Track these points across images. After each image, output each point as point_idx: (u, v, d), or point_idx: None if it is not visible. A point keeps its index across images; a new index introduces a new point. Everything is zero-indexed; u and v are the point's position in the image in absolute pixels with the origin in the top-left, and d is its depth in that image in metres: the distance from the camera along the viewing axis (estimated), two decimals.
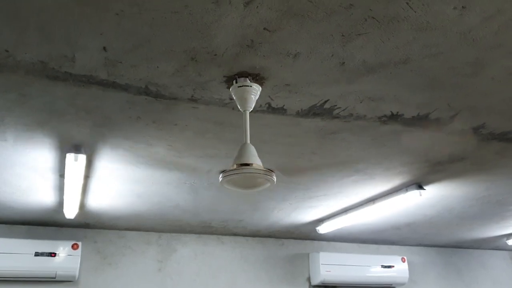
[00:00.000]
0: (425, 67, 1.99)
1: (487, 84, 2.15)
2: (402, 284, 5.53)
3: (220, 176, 1.90)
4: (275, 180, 1.92)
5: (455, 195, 3.89)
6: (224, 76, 2.02)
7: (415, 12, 1.63)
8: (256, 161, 1.90)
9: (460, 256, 6.19)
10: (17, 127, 2.46)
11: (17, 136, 2.56)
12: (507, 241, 5.64)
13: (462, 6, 1.61)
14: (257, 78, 2.03)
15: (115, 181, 3.33)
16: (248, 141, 2.02)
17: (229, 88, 2.07)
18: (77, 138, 2.61)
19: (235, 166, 1.88)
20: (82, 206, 3.87)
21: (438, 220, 4.68)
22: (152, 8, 1.59)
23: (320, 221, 4.64)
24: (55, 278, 4.24)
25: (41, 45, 1.78)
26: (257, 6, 1.59)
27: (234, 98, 2.06)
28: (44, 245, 4.23)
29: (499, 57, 1.92)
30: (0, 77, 1.99)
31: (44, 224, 4.45)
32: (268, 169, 1.90)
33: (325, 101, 2.27)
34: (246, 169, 1.84)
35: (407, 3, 1.59)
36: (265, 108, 2.33)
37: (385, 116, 2.44)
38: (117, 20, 1.65)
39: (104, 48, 1.81)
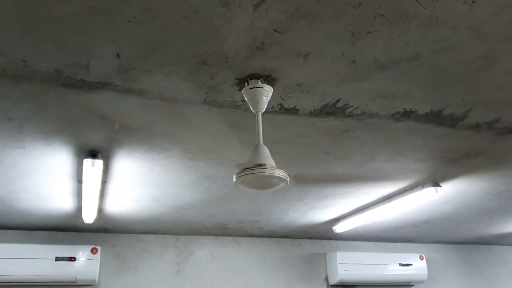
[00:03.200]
0: (437, 63, 1.98)
1: (500, 78, 2.13)
2: (421, 281, 5.48)
3: (234, 177, 1.92)
4: (289, 180, 1.93)
5: (472, 191, 3.85)
6: (235, 79, 2.04)
7: (424, 8, 1.63)
8: (269, 161, 1.92)
9: (480, 252, 6.12)
10: (35, 135, 2.51)
11: (35, 143, 2.62)
12: None
13: (472, 1, 1.60)
14: (269, 79, 2.05)
15: (131, 185, 3.38)
16: (261, 142, 2.03)
17: (241, 90, 2.09)
18: (94, 144, 2.66)
19: (249, 167, 1.89)
20: (100, 210, 3.92)
21: (456, 216, 4.63)
22: (163, 14, 1.62)
23: (336, 220, 4.63)
24: (75, 282, 4.30)
25: (56, 54, 1.82)
26: (267, 8, 1.60)
27: (246, 100, 2.08)
28: (64, 250, 4.30)
29: (511, 50, 1.90)
30: (18, 87, 2.04)
31: (64, 229, 4.53)
32: (282, 170, 1.91)
33: (337, 100, 2.28)
34: (260, 169, 1.86)
35: (416, 0, 1.59)
36: (277, 109, 2.34)
37: (398, 113, 2.44)
38: (129, 27, 1.68)
39: (117, 55, 1.84)
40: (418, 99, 2.30)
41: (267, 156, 1.94)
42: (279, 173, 1.88)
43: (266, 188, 1.99)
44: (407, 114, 2.46)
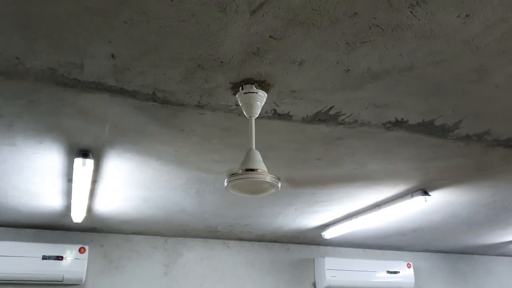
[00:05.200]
0: (429, 74, 2.01)
1: (491, 91, 2.16)
2: None
3: (226, 181, 1.92)
4: (279, 186, 1.94)
5: (460, 201, 3.88)
6: (230, 83, 2.05)
7: (419, 20, 1.65)
8: (261, 166, 1.92)
9: (466, 262, 6.17)
10: (26, 132, 2.50)
11: (26, 141, 2.60)
12: None
13: (466, 15, 1.63)
14: (263, 85, 2.05)
15: (122, 185, 3.37)
16: (254, 147, 2.04)
17: (235, 95, 2.09)
18: (85, 143, 2.65)
19: (240, 172, 1.90)
20: (89, 210, 3.90)
21: (444, 226, 4.67)
22: (159, 17, 1.62)
23: (326, 226, 4.65)
24: (62, 281, 4.27)
25: (50, 53, 1.82)
26: (263, 15, 1.61)
27: (240, 104, 2.09)
28: (52, 249, 4.26)
29: (503, 64, 1.93)
30: (10, 84, 2.03)
31: (52, 228, 4.50)
32: (273, 175, 1.92)
33: (330, 108, 2.29)
34: (251, 174, 1.86)
35: (411, 12, 1.61)
36: (271, 114, 2.35)
37: (390, 122, 2.46)
38: (125, 28, 1.68)
39: (112, 56, 1.84)
40: (410, 109, 2.32)
41: (259, 161, 1.95)
42: (270, 178, 1.89)
43: (257, 193, 1.99)
44: (398, 124, 2.48)
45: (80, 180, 2.95)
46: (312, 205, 3.93)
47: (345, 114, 2.36)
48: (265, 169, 1.94)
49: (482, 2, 1.56)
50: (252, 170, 1.88)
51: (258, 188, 1.94)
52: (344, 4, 1.57)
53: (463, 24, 1.68)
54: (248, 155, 1.98)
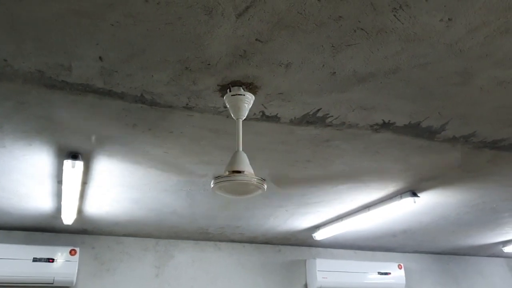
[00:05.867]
0: (414, 77, 2.03)
1: (476, 94, 2.19)
2: None
3: (212, 183, 1.94)
4: (265, 188, 1.95)
5: (449, 203, 3.92)
6: (218, 85, 2.07)
7: (402, 24, 1.68)
8: (247, 168, 1.94)
9: (457, 263, 6.21)
10: (15, 134, 2.50)
11: (15, 142, 2.60)
12: (503, 248, 5.66)
13: (448, 18, 1.66)
14: (251, 87, 2.07)
15: (112, 187, 3.37)
16: (241, 149, 2.06)
17: (223, 97, 2.11)
18: (75, 145, 2.65)
19: (226, 173, 1.92)
20: (79, 212, 3.90)
21: (434, 227, 4.71)
22: (146, 20, 1.63)
23: (317, 227, 4.67)
24: (53, 283, 4.26)
25: (38, 55, 1.83)
26: (249, 18, 1.63)
27: (228, 106, 2.10)
28: (42, 251, 4.26)
29: (486, 67, 1.96)
30: None
31: (42, 230, 4.49)
32: (259, 177, 1.94)
33: (318, 110, 2.32)
34: (237, 176, 1.88)
35: (394, 15, 1.63)
36: (259, 116, 2.37)
37: (377, 124, 2.48)
38: (113, 31, 1.69)
39: (100, 58, 1.85)
40: (397, 111, 2.35)
41: (245, 163, 1.97)
42: (256, 180, 1.91)
43: (243, 195, 2.01)
44: (385, 126, 2.50)
45: (70, 181, 2.95)
46: (303, 207, 3.96)
47: (332, 116, 2.38)
48: (252, 171, 1.95)
49: (464, 6, 1.59)
50: (238, 172, 1.90)
51: (244, 190, 1.96)
52: (328, 7, 1.59)
53: (446, 28, 1.70)
54: (234, 157, 1.99)
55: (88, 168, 2.98)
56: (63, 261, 4.30)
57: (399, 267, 5.57)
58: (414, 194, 3.58)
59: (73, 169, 2.75)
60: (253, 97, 2.09)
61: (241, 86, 2.05)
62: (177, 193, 3.53)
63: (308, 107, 2.28)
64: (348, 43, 1.79)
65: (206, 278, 4.99)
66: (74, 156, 2.71)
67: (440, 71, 1.99)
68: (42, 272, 4.21)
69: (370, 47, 1.81)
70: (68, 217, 3.76)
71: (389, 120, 2.44)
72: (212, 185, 1.92)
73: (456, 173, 3.23)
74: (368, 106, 2.28)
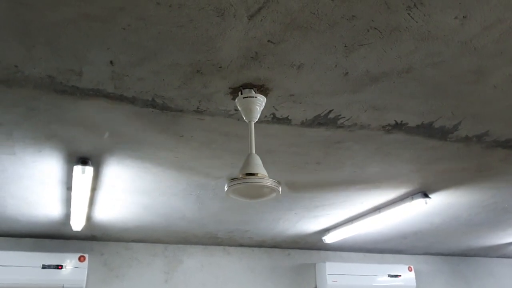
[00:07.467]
0: (428, 76, 2.01)
1: (489, 92, 2.16)
2: None
3: (226, 186, 1.92)
4: (280, 190, 1.93)
5: (461, 203, 3.88)
6: (229, 88, 2.05)
7: (416, 22, 1.65)
8: (261, 171, 1.92)
9: (467, 264, 6.16)
10: (25, 140, 2.49)
11: (25, 149, 2.59)
12: None
13: (463, 16, 1.63)
14: (262, 89, 2.06)
15: (121, 193, 3.36)
16: (254, 151, 2.04)
17: (234, 100, 2.09)
18: (84, 151, 2.64)
19: (240, 176, 1.90)
20: (89, 218, 3.89)
21: (445, 228, 4.66)
22: (158, 23, 1.62)
23: (326, 230, 4.64)
24: None
25: (49, 60, 1.82)
26: (261, 19, 1.62)
27: (239, 109, 2.09)
28: (51, 258, 4.25)
29: (501, 65, 1.94)
30: (9, 92, 2.02)
31: (51, 236, 4.48)
32: (274, 180, 1.91)
33: (330, 111, 2.29)
34: (251, 179, 1.86)
35: (408, 14, 1.61)
36: (270, 118, 2.35)
37: (389, 125, 2.46)
38: (124, 34, 1.68)
39: (111, 62, 1.84)
40: (409, 111, 2.32)
41: (259, 165, 1.95)
42: (270, 182, 1.88)
43: (257, 198, 1.99)
44: (398, 126, 2.48)
45: (79, 188, 2.94)
46: (313, 210, 3.93)
47: (344, 117, 2.36)
48: (265, 173, 1.93)
49: (479, 3, 1.57)
50: (252, 174, 1.88)
51: (258, 193, 1.93)
52: (342, 7, 1.57)
53: (461, 25, 1.68)
54: (248, 160, 1.97)
55: (98, 173, 2.97)
56: (72, 268, 4.29)
57: (409, 269, 5.52)
58: (425, 195, 3.55)
59: (83, 174, 2.74)
60: (265, 99, 2.07)
61: (252, 88, 2.03)
62: (186, 198, 3.51)
63: (320, 108, 2.26)
64: (361, 43, 1.76)
65: (215, 283, 4.97)
66: (84, 161, 2.70)
67: (454, 69, 1.97)
68: (51, 279, 4.20)
69: (384, 46, 1.79)
70: (77, 224, 3.75)
71: (402, 121, 2.42)
72: (226, 188, 1.89)
73: (468, 173, 3.20)
74: (381, 106, 2.26)
